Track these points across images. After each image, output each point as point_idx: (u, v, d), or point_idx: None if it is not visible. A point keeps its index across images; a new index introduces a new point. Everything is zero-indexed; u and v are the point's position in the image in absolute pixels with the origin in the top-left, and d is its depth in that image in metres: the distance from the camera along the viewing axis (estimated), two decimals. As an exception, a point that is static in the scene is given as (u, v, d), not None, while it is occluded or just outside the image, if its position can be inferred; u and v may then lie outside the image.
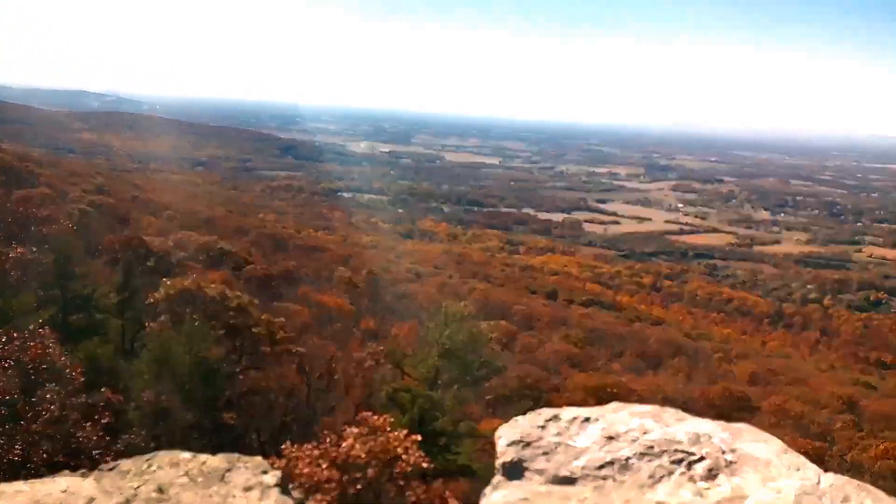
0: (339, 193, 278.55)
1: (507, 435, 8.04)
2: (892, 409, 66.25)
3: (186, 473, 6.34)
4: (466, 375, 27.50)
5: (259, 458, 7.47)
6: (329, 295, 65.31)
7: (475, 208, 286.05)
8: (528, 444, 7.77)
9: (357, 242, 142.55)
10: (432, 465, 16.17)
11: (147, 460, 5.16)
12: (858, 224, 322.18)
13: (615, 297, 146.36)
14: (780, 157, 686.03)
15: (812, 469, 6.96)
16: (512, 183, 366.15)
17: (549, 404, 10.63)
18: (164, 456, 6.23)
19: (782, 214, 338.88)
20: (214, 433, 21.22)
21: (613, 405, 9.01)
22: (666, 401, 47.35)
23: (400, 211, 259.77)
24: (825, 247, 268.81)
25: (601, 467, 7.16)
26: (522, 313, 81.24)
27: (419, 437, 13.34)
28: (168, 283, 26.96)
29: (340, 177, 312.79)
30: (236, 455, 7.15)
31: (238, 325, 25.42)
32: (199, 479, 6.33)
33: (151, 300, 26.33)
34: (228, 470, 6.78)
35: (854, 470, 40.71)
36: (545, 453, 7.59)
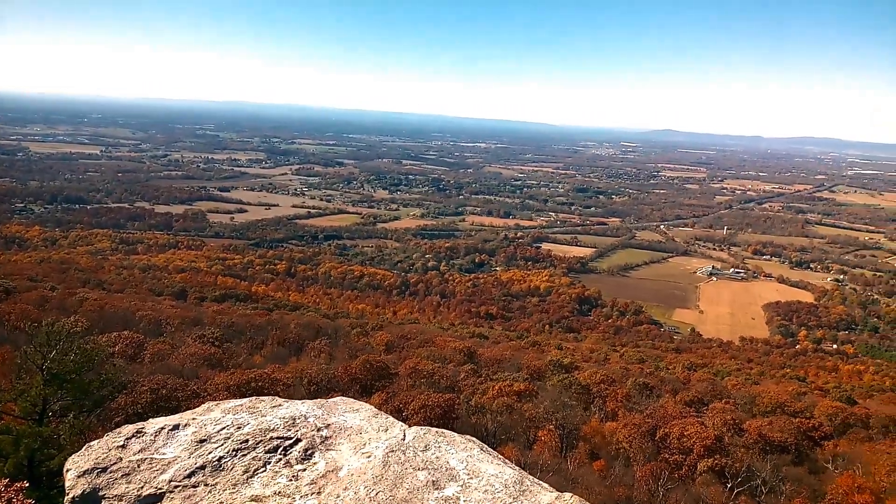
0: None
1: (77, 465, 6.50)
2: (501, 353, 76.50)
3: None
4: (84, 400, 23.64)
5: None
6: None
7: (76, 206, 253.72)
8: (104, 470, 6.36)
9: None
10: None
11: None
12: (460, 196, 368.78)
13: (250, 288, 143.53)
14: (389, 139, 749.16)
15: (398, 427, 6.98)
16: (119, 175, 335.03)
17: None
18: None
19: (398, 192, 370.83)
20: None
21: (206, 405, 7.77)
22: (311, 383, 47.36)
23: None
24: (436, 219, 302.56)
25: (191, 474, 6.20)
26: (148, 319, 74.04)
27: (26, 484, 10.90)
28: None
29: None
30: None
31: None
32: None
33: None
34: None
35: (479, 411, 45.62)
36: (126, 474, 6.30)
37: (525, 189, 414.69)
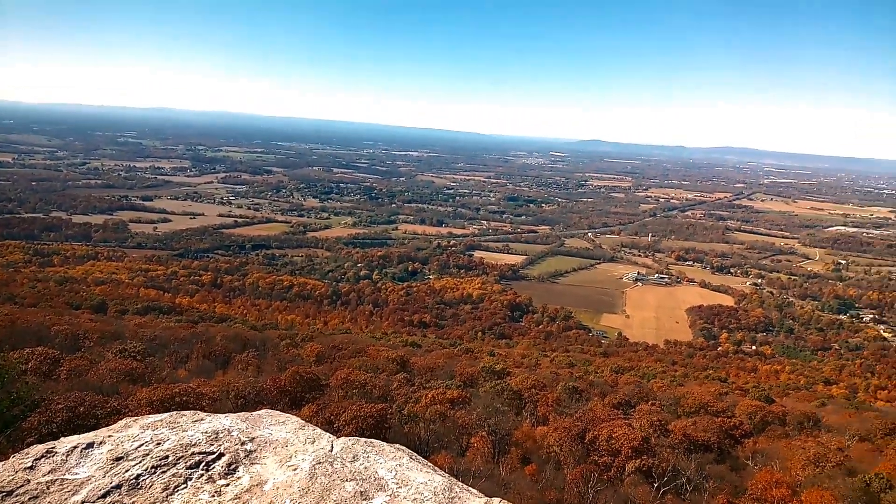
0: None
1: (-22, 490, 6.04)
2: (434, 361, 76.34)
3: None
4: (-9, 420, 22.27)
5: None
6: None
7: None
8: (9, 494, 6.01)
9: None
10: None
11: None
12: (393, 205, 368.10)
13: (175, 300, 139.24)
14: (320, 146, 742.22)
15: (326, 438, 6.90)
16: (34, 183, 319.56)
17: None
18: None
19: (329, 201, 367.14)
20: None
21: (123, 422, 7.52)
22: (238, 396, 46.21)
23: None
24: (368, 228, 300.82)
25: (106, 494, 5.94)
26: (65, 333, 70.42)
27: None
28: None
29: None
30: None
31: None
32: None
33: None
34: None
35: (412, 420, 45.40)
36: (34, 497, 5.99)
37: (457, 198, 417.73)
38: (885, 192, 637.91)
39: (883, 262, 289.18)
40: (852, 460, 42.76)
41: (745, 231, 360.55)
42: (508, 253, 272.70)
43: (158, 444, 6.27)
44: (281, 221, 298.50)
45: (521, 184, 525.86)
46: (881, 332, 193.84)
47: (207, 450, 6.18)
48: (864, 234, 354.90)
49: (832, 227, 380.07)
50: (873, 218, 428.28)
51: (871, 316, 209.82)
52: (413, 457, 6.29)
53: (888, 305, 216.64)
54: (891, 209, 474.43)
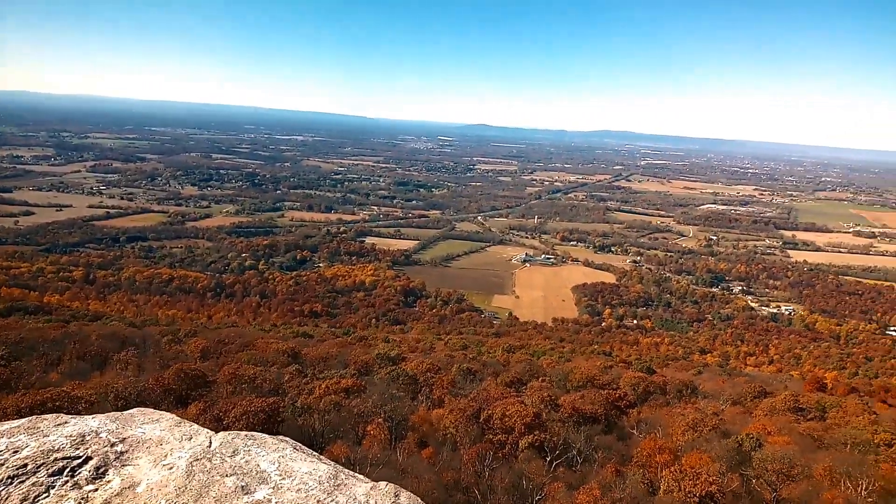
0: None
1: None
2: (327, 350, 75.27)
3: None
4: None
5: None
6: None
7: None
8: None
9: None
10: None
11: None
12: (278, 192, 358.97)
13: (42, 298, 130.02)
14: (197, 131, 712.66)
15: (204, 434, 6.61)
16: None
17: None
18: None
19: (209, 188, 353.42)
20: None
21: None
22: (118, 398, 43.61)
23: None
24: (252, 216, 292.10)
25: None
26: (-86, 339, 64.42)
27: None
28: None
29: None
30: None
31: None
32: None
33: None
34: None
35: (305, 412, 44.51)
36: None
37: (346, 183, 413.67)
38: (750, 171, 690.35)
39: (748, 236, 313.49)
40: (726, 423, 45.85)
41: (624, 211, 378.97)
42: (400, 238, 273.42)
43: (15, 452, 5.65)
44: (157, 211, 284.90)
45: (411, 168, 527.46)
46: (749, 302, 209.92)
47: (72, 454, 5.65)
48: (732, 212, 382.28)
49: (703, 205, 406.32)
50: (740, 196, 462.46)
51: (740, 288, 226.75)
52: (297, 447, 6.19)
53: (754, 277, 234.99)
54: (755, 187, 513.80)
